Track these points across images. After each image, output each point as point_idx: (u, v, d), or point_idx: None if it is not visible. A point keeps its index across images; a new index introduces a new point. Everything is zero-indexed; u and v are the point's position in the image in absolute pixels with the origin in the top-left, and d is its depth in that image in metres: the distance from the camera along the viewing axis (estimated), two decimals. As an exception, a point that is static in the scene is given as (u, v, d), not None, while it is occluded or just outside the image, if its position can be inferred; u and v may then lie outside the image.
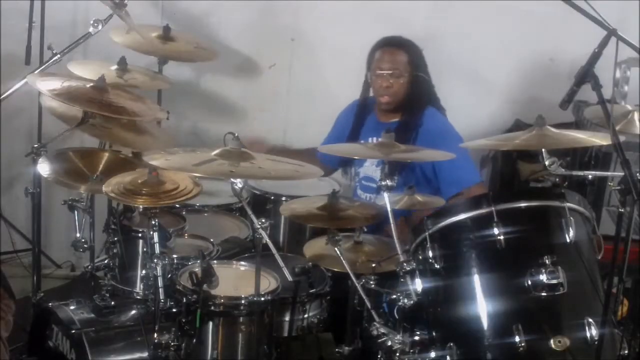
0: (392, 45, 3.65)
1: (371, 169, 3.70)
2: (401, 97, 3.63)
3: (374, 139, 3.62)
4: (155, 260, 2.84)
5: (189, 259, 3.05)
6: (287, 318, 3.02)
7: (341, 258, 2.84)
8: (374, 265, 2.85)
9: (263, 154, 3.63)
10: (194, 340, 2.81)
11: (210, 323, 2.83)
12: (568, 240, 2.54)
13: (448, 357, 2.54)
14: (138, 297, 3.08)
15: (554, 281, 2.44)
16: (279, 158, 3.00)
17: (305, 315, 3.07)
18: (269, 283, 2.93)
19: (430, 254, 2.62)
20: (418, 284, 2.68)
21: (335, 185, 3.66)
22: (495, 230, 2.51)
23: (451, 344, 2.54)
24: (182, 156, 2.85)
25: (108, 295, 3.07)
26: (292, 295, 2.97)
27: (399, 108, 3.65)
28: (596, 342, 2.39)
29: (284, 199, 3.55)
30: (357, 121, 3.78)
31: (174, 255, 3.00)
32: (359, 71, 3.75)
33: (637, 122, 2.82)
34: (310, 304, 3.08)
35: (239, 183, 2.72)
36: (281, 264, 2.83)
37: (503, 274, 2.55)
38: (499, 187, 4.33)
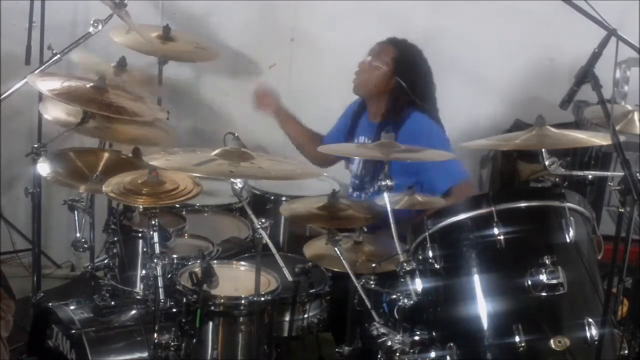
0: (387, 42, 3.65)
1: (355, 167, 3.73)
2: (366, 86, 3.62)
3: (364, 138, 3.66)
4: (155, 260, 2.84)
5: (189, 259, 3.05)
6: (287, 318, 3.02)
7: (341, 258, 2.84)
8: (374, 265, 2.85)
9: (272, 110, 3.73)
10: (194, 340, 2.81)
11: (210, 323, 2.83)
12: (568, 240, 2.54)
13: (448, 357, 2.54)
14: (138, 297, 3.08)
15: (554, 281, 2.44)
16: (279, 158, 3.01)
17: (305, 315, 3.07)
18: (269, 283, 2.93)
19: (430, 254, 2.62)
20: (418, 284, 2.68)
21: (336, 185, 3.66)
22: (495, 230, 2.51)
23: (451, 344, 2.54)
24: (182, 156, 2.85)
25: (108, 295, 3.07)
26: (292, 295, 2.97)
27: (378, 103, 3.64)
28: (596, 342, 2.39)
29: (284, 199, 3.55)
30: (354, 118, 3.79)
31: (174, 255, 3.00)
32: (358, 71, 3.75)
33: (637, 122, 2.82)
34: (310, 304, 3.07)
35: (239, 183, 2.72)
36: (281, 264, 2.83)
37: (503, 274, 2.55)
38: (499, 187, 4.33)
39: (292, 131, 3.91)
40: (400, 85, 3.57)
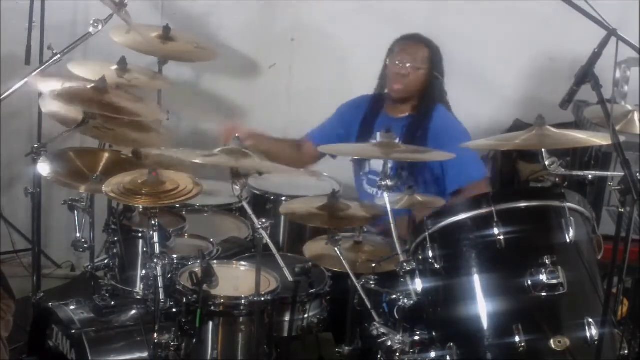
0: (416, 40, 3.70)
1: (378, 162, 3.71)
2: (413, 89, 3.65)
3: None
4: (155, 260, 2.84)
5: (189, 259, 3.05)
6: (287, 318, 3.01)
7: (341, 258, 2.84)
8: (374, 265, 2.85)
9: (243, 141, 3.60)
10: (194, 340, 2.82)
11: (210, 323, 2.84)
12: (568, 240, 2.54)
13: (448, 357, 2.54)
14: (138, 297, 3.08)
15: (554, 281, 2.44)
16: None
17: (305, 315, 3.07)
18: (269, 283, 2.93)
19: (430, 254, 2.62)
20: (418, 284, 2.68)
21: (335, 185, 3.66)
22: (495, 230, 2.51)
23: (451, 344, 2.54)
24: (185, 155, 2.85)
25: (108, 295, 3.07)
26: (292, 295, 2.97)
27: (408, 101, 3.67)
28: (596, 342, 2.39)
29: (284, 199, 3.55)
30: (370, 117, 3.77)
31: (174, 255, 3.00)
32: (358, 71, 3.76)
33: (637, 122, 2.82)
34: (310, 304, 3.07)
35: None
36: (281, 264, 2.83)
37: (503, 274, 2.55)
38: (499, 187, 4.33)
39: (268, 146, 3.72)
40: (436, 81, 3.66)
